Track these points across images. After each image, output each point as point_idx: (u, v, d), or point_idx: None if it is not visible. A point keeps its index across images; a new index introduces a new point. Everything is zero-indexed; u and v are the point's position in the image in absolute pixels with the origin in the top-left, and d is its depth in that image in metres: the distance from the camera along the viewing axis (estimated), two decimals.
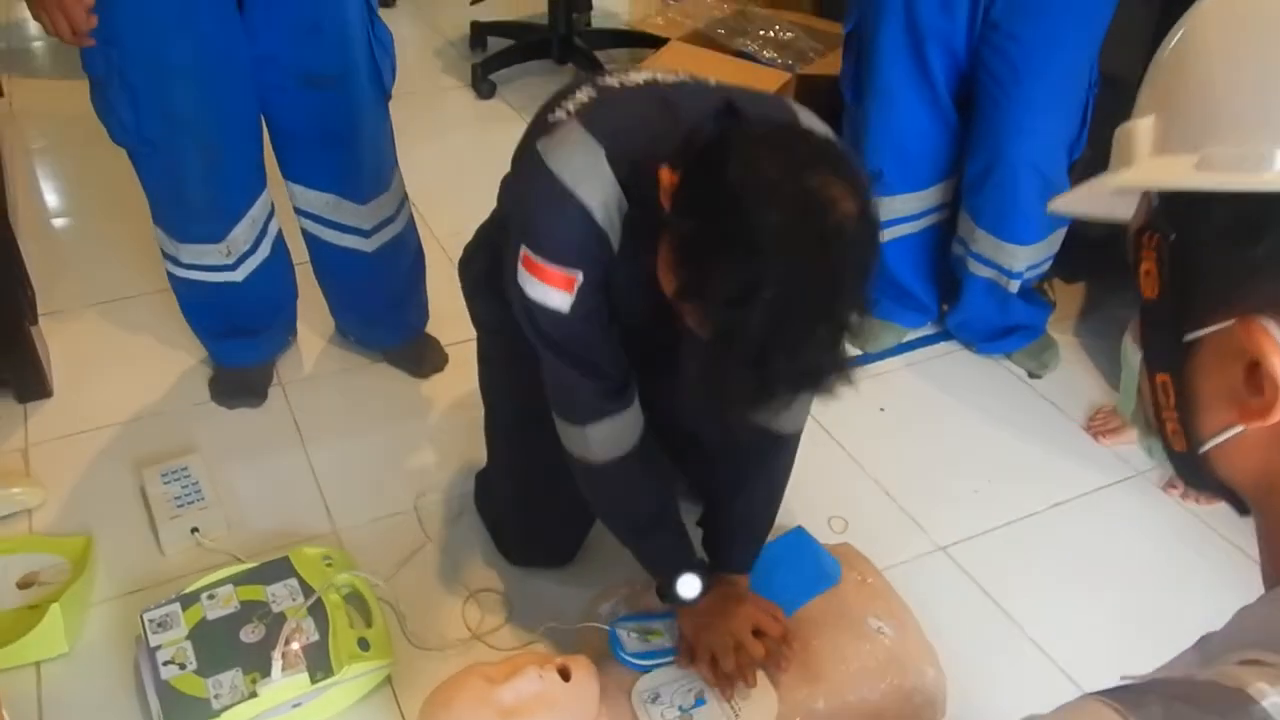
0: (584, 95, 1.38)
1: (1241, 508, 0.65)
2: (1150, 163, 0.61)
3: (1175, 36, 0.62)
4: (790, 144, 1.13)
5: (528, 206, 1.32)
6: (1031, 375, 2.34)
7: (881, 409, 2.25)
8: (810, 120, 1.33)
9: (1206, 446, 0.61)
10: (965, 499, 2.02)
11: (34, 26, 3.80)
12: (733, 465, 1.58)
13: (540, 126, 1.38)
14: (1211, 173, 0.56)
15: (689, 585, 1.53)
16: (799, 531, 1.78)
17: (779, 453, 1.58)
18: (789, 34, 3.01)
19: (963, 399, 2.29)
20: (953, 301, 2.40)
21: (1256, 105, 0.55)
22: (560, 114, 1.36)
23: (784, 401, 1.16)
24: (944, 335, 2.46)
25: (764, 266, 1.05)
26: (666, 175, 1.18)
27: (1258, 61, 0.56)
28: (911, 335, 2.45)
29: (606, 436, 1.43)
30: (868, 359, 2.39)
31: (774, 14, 3.15)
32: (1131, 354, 0.66)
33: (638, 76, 1.40)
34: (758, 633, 1.51)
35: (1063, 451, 2.14)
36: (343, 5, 1.86)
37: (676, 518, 1.57)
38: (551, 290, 1.29)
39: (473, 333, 1.79)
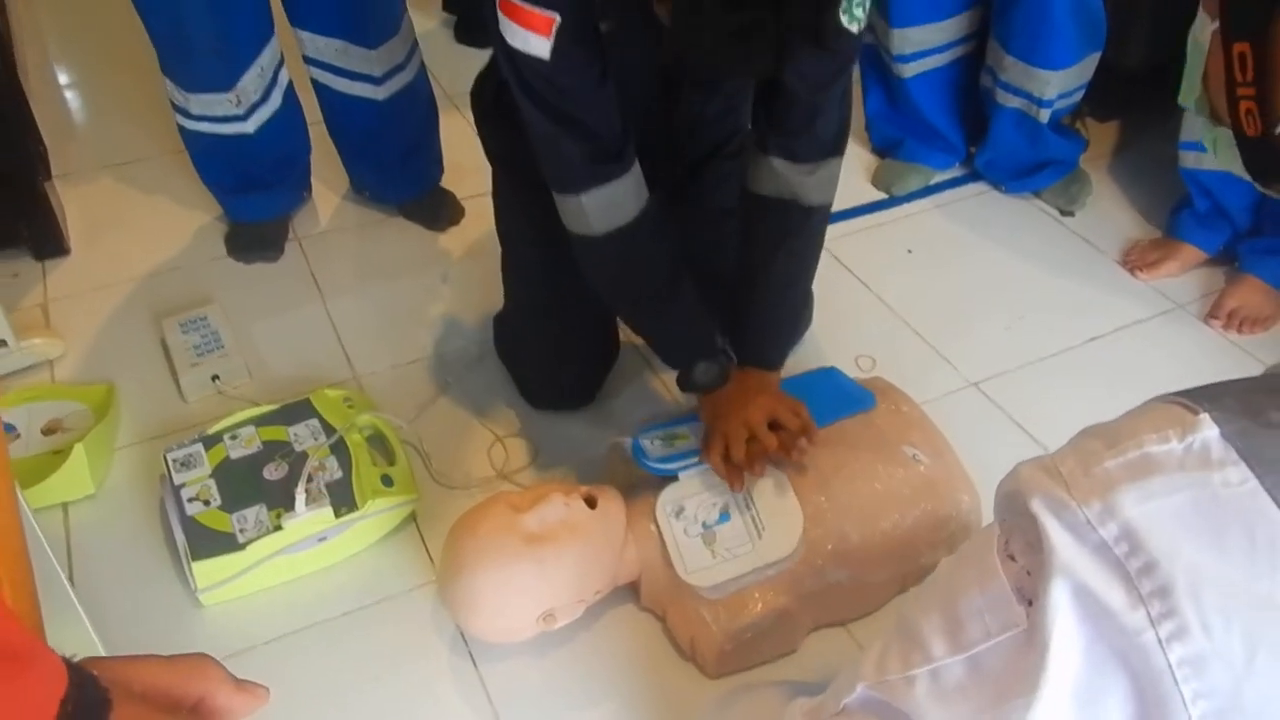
0: None
1: None
2: None
3: None
4: None
5: None
6: (1063, 213, 2.28)
7: (909, 250, 2.20)
8: None
9: None
10: (997, 336, 1.98)
11: None
12: (759, 244, 1.53)
13: None
14: None
15: (706, 369, 1.50)
16: (831, 369, 1.75)
17: (805, 228, 1.52)
18: None
19: (993, 238, 2.23)
20: (981, 138, 2.32)
21: None
22: None
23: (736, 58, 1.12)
24: (973, 176, 2.39)
25: None
26: None
27: None
28: (939, 177, 2.39)
29: (603, 203, 1.38)
30: (894, 201, 2.33)
31: None
32: (1201, 31, 0.61)
33: None
34: (777, 426, 1.48)
35: (1098, 286, 2.09)
36: None
37: (691, 294, 1.52)
38: (530, 35, 1.23)
39: (488, 186, 1.75)
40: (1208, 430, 0.48)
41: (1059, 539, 0.49)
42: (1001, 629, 0.52)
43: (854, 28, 1.18)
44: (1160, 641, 0.46)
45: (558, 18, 1.22)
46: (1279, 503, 0.46)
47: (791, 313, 1.64)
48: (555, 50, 1.24)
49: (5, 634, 0.43)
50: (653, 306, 1.54)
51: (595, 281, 1.53)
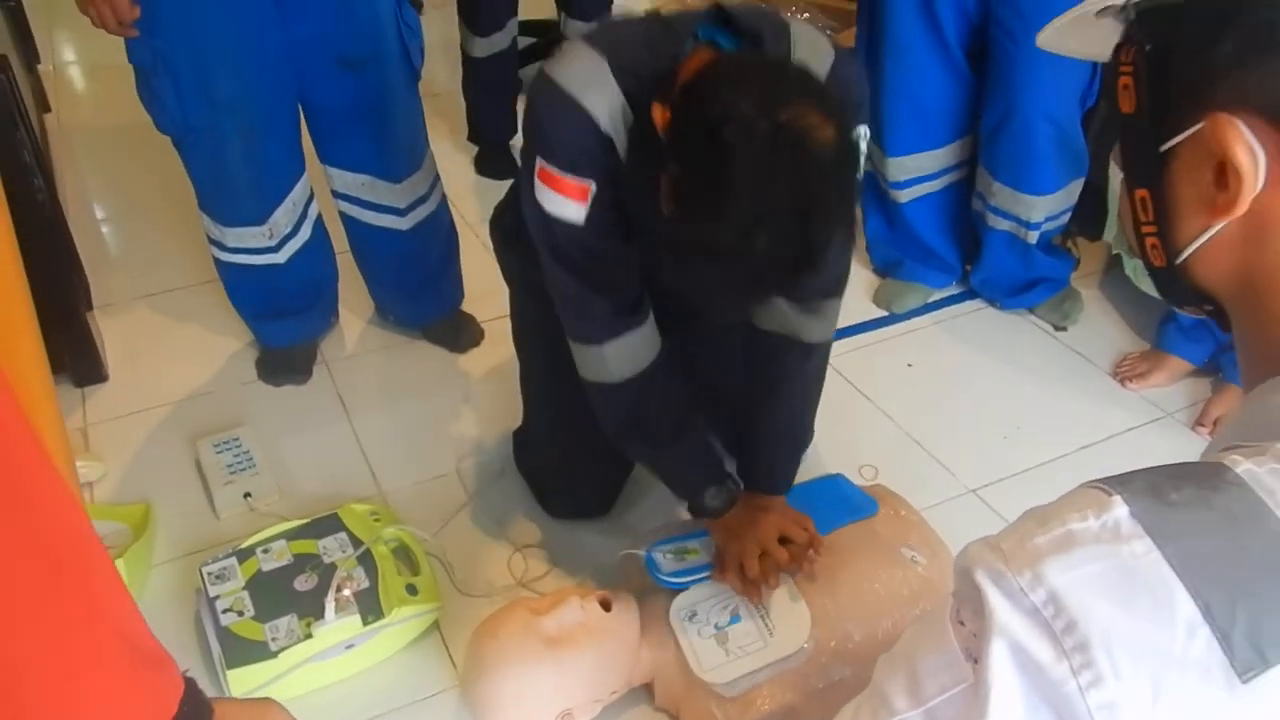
0: (587, 29, 1.47)
1: (1224, 321, 0.70)
2: None
3: None
4: (765, 77, 1.19)
5: (537, 119, 1.37)
6: (1056, 328, 2.38)
7: (909, 365, 2.30)
8: (804, 38, 1.37)
9: (1184, 255, 0.66)
10: (994, 445, 2.06)
11: (71, 50, 3.96)
12: (762, 380, 1.63)
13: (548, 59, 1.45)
14: None
15: (716, 496, 1.58)
16: (836, 476, 1.83)
17: (806, 365, 1.62)
18: (805, 14, 3.07)
19: (989, 353, 2.33)
20: (975, 259, 2.44)
21: None
22: (564, 44, 1.43)
23: (745, 305, 1.28)
24: (969, 294, 2.50)
25: (748, 206, 1.13)
26: (659, 112, 1.25)
27: None
28: (937, 295, 2.50)
29: (623, 353, 1.48)
30: (895, 319, 2.44)
31: None
32: (1114, 178, 0.71)
33: (640, 12, 1.48)
34: (785, 540, 1.56)
35: (1090, 397, 2.18)
36: None
37: (699, 429, 1.61)
38: (567, 202, 1.35)
39: (507, 309, 1.86)
40: (1119, 510, 0.56)
41: (998, 604, 0.57)
42: (953, 684, 0.60)
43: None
44: (1080, 689, 0.54)
45: (593, 186, 1.34)
46: (1175, 569, 0.54)
47: (795, 442, 1.73)
48: (589, 216, 1.36)
49: (149, 643, 0.52)
50: (664, 445, 1.62)
51: (609, 425, 1.61)
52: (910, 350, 2.34)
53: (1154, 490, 0.57)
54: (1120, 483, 0.58)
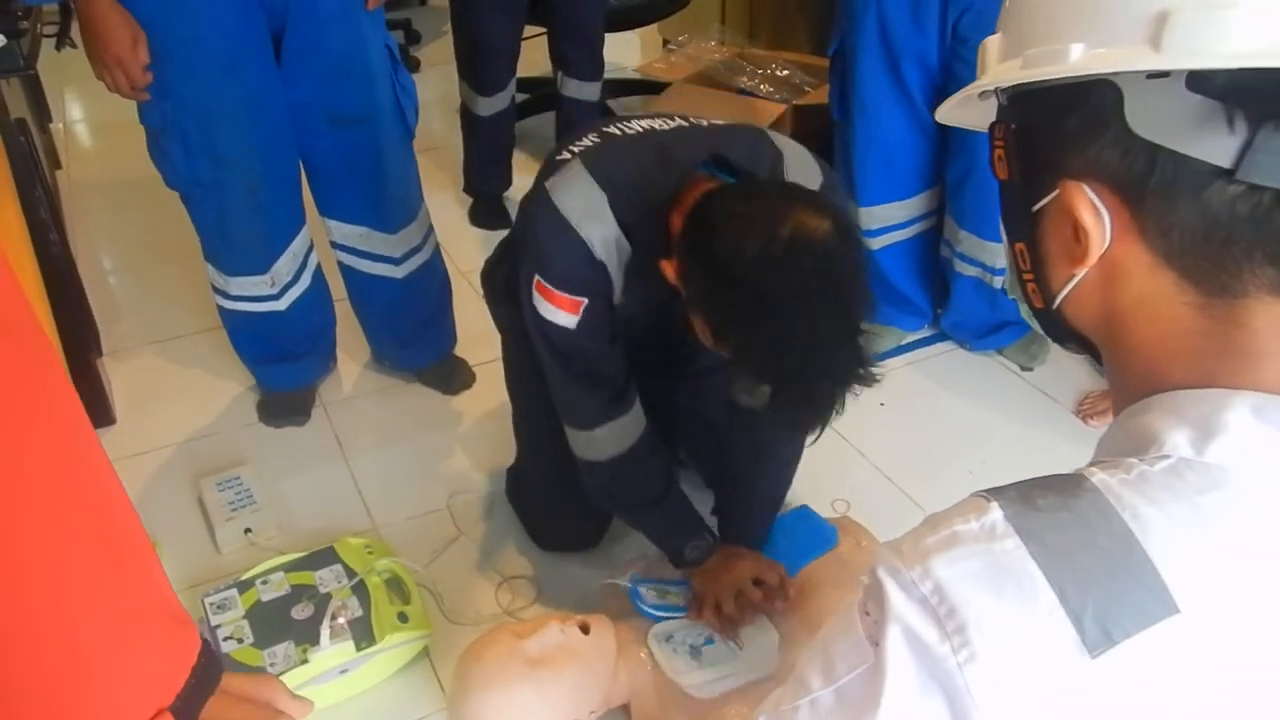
0: (589, 140, 1.57)
1: (1099, 357, 0.80)
2: (995, 68, 0.77)
3: None
4: (757, 201, 1.30)
5: (537, 239, 1.49)
6: (1023, 368, 2.49)
7: (881, 404, 2.39)
8: (795, 158, 1.50)
9: (1058, 300, 0.76)
10: (961, 479, 2.15)
11: (80, 108, 4.11)
12: (746, 455, 1.75)
13: (550, 167, 1.56)
14: (1030, 69, 0.71)
15: (695, 549, 1.69)
16: (803, 508, 1.93)
17: (790, 442, 1.74)
18: (784, 71, 3.20)
19: (958, 392, 2.43)
20: (945, 303, 2.55)
21: (1058, 11, 0.71)
22: (566, 155, 1.54)
23: (826, 403, 1.32)
24: (940, 336, 2.61)
25: (781, 322, 1.24)
26: (669, 268, 1.36)
27: None
28: (910, 337, 2.61)
29: (610, 436, 1.61)
30: None
31: (771, 54, 3.36)
32: (1003, 232, 0.82)
33: (637, 125, 1.58)
34: (759, 582, 1.66)
35: (1054, 434, 2.28)
36: (367, 54, 2.07)
37: (679, 494, 1.73)
38: (560, 312, 1.48)
39: (498, 352, 1.97)
40: (995, 513, 0.65)
41: (894, 594, 0.66)
42: (859, 664, 0.69)
43: None
44: (959, 665, 0.63)
45: (585, 300, 1.47)
46: (1038, 562, 0.63)
47: (773, 506, 1.85)
48: (580, 323, 1.49)
49: (175, 605, 0.62)
50: (648, 510, 1.75)
51: (595, 493, 1.74)
52: (883, 390, 2.41)
53: (1024, 497, 0.66)
54: (998, 491, 0.68)
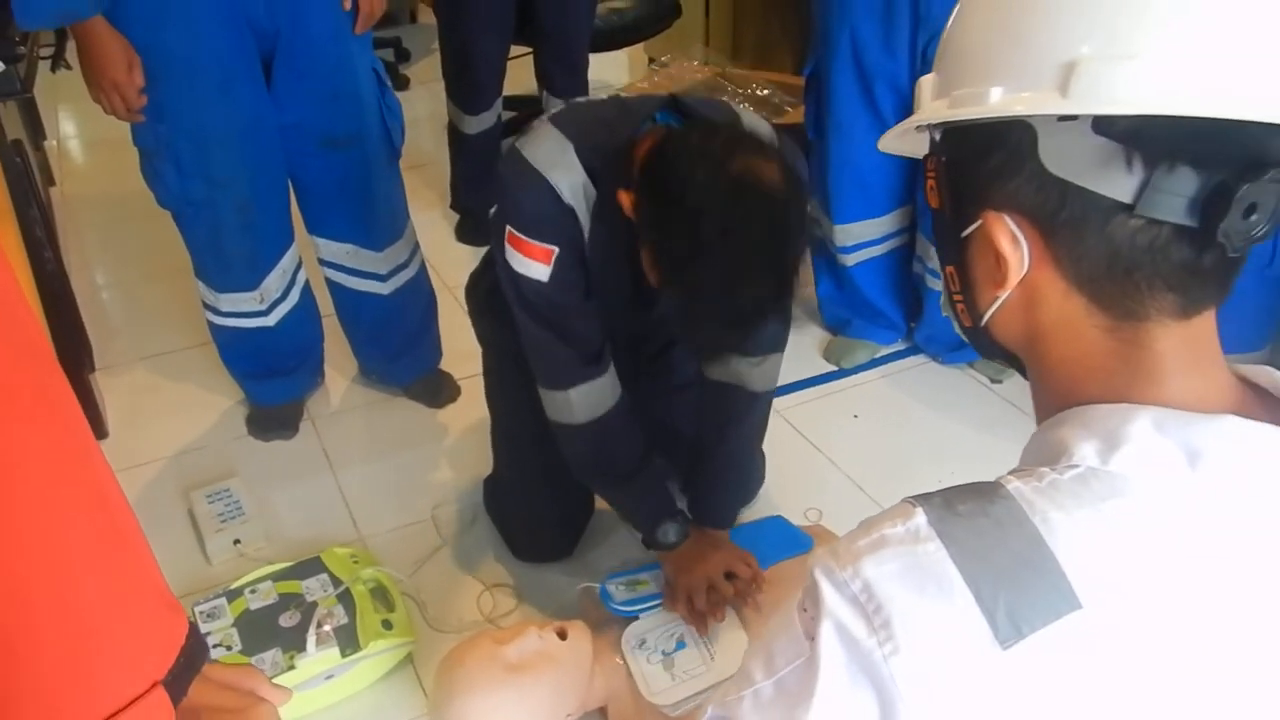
0: (555, 108, 1.66)
1: (1023, 371, 0.86)
2: (928, 105, 0.82)
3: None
4: (714, 142, 1.37)
5: (508, 190, 1.56)
6: (993, 380, 2.55)
7: (855, 416, 2.47)
8: (750, 119, 1.57)
9: (984, 319, 0.82)
10: (931, 488, 2.20)
11: (73, 126, 4.17)
12: (713, 425, 1.81)
13: (519, 135, 1.63)
14: (957, 109, 0.77)
15: (669, 531, 1.75)
16: (776, 517, 2.00)
17: (752, 411, 1.81)
18: (765, 91, 3.27)
19: (930, 404, 2.50)
20: (918, 317, 2.62)
21: (981, 56, 0.76)
22: (534, 122, 1.62)
23: (748, 335, 1.43)
24: (913, 349, 2.68)
25: (724, 257, 1.31)
26: (625, 197, 1.43)
27: (985, 22, 0.77)
28: (884, 351, 2.67)
29: (586, 398, 1.66)
30: (844, 373, 2.61)
31: (751, 74, 3.43)
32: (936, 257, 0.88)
33: (603, 96, 1.67)
34: (731, 575, 1.72)
35: (1022, 444, 2.30)
36: (355, 77, 2.13)
37: (655, 471, 1.78)
38: (532, 263, 1.54)
39: (483, 367, 2.03)
40: (919, 518, 0.71)
41: (827, 592, 0.71)
42: (796, 657, 0.74)
43: None
44: (884, 657, 0.68)
45: (557, 249, 1.53)
46: (956, 563, 0.68)
47: (740, 481, 1.92)
48: (553, 274, 1.54)
49: (166, 590, 0.67)
50: (623, 481, 1.80)
51: (574, 462, 1.80)
52: (857, 402, 2.51)
53: (947, 503, 0.72)
54: (924, 498, 0.74)
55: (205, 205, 2.11)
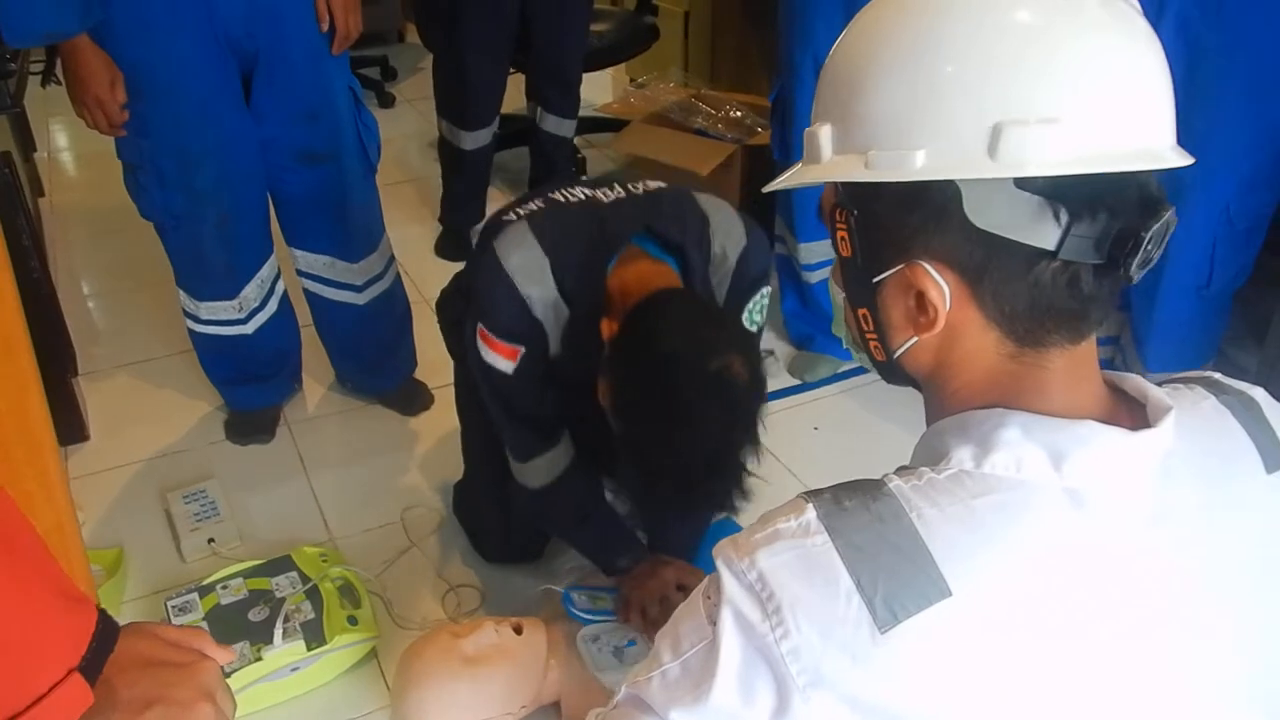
0: (534, 205, 1.71)
1: (920, 388, 0.93)
2: (833, 160, 0.83)
3: (842, 46, 0.84)
4: (700, 324, 1.45)
5: (483, 293, 1.63)
6: None
7: (816, 428, 2.55)
8: (722, 218, 1.66)
9: (897, 354, 0.87)
10: None
11: (64, 138, 4.25)
12: None
13: (496, 226, 1.71)
14: (876, 170, 0.78)
15: (624, 559, 1.83)
16: (727, 520, 2.07)
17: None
18: (738, 113, 3.37)
19: (890, 416, 2.57)
20: None
21: (900, 121, 0.77)
22: (512, 216, 1.69)
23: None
24: None
25: (684, 435, 1.38)
26: (606, 325, 1.52)
27: (900, 87, 0.77)
28: (844, 366, 2.75)
29: (539, 468, 1.77)
30: (806, 387, 2.69)
31: (725, 96, 3.52)
32: (836, 294, 0.92)
33: (580, 193, 1.71)
34: (682, 588, 1.80)
35: None
36: (333, 96, 2.22)
37: (607, 513, 1.88)
38: (499, 358, 1.64)
39: (454, 378, 2.10)
40: (809, 513, 0.77)
41: (727, 581, 0.78)
42: (699, 640, 0.80)
43: (753, 328, 1.63)
44: (776, 640, 0.74)
45: (522, 350, 1.62)
46: (840, 554, 0.74)
47: (700, 530, 2.00)
48: (517, 370, 1.64)
49: (69, 586, 0.74)
50: (578, 529, 1.90)
51: (533, 516, 1.92)
52: (818, 414, 2.59)
53: (835, 499, 0.79)
54: (815, 494, 0.80)
55: (186, 217, 2.19)
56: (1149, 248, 0.74)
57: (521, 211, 1.68)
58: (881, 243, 0.82)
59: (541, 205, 1.70)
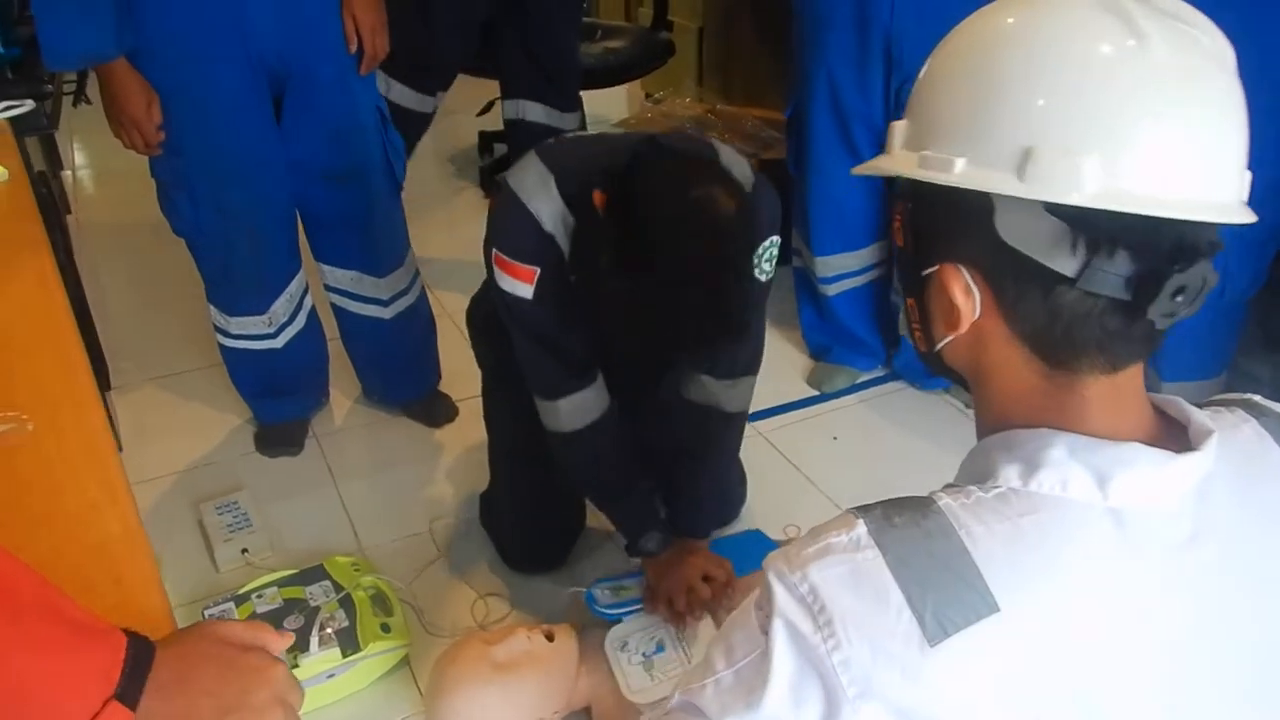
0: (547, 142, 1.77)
1: (968, 387, 0.96)
2: (898, 154, 0.86)
3: (935, 50, 0.88)
4: (682, 167, 1.51)
5: (495, 217, 1.70)
6: (968, 406, 2.64)
7: (835, 438, 2.58)
8: (729, 155, 1.69)
9: (938, 346, 0.90)
10: None
11: (84, 156, 4.32)
12: (691, 445, 1.94)
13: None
14: (924, 170, 0.81)
15: (651, 540, 1.87)
16: (755, 531, 2.11)
17: (727, 431, 1.94)
18: (754, 127, 3.41)
19: (908, 427, 2.61)
20: (896, 345, 2.74)
21: (949, 124, 0.81)
22: (523, 158, 1.74)
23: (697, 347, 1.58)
24: (892, 376, 2.80)
25: (669, 262, 1.44)
26: (598, 196, 1.56)
27: (956, 92, 0.81)
28: (863, 377, 2.79)
29: (574, 408, 1.78)
30: (825, 397, 2.73)
31: (742, 111, 3.57)
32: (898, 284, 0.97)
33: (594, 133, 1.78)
34: (708, 579, 1.84)
35: None
36: (359, 116, 2.27)
37: (641, 486, 1.90)
38: (517, 282, 1.66)
39: (479, 389, 2.15)
40: (860, 529, 0.78)
41: (779, 594, 0.79)
42: (753, 650, 0.82)
43: (763, 278, 1.63)
44: (828, 651, 0.76)
45: (538, 270, 1.65)
46: (891, 569, 0.76)
47: (716, 495, 2.04)
48: (536, 293, 1.67)
49: (86, 618, 0.74)
50: (611, 489, 1.93)
51: (566, 468, 1.91)
52: (837, 425, 2.63)
53: (885, 515, 0.80)
54: (865, 510, 0.82)
55: (217, 234, 2.24)
56: (1175, 298, 0.75)
57: (533, 150, 1.74)
58: (926, 238, 0.86)
59: (552, 141, 1.76)
